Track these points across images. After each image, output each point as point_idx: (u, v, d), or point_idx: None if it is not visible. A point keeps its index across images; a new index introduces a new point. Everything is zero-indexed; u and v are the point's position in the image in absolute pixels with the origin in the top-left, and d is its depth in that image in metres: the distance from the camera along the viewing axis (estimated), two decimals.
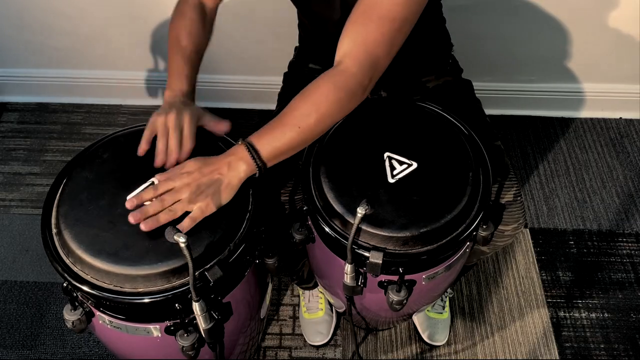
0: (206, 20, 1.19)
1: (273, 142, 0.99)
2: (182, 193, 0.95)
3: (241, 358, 1.39)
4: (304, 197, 1.11)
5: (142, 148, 1.04)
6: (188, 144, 1.04)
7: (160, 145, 1.03)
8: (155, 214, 0.95)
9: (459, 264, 1.19)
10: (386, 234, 1.01)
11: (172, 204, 0.96)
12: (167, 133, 1.03)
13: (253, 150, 0.98)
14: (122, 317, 1.01)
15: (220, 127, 1.10)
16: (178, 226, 0.94)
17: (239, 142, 1.00)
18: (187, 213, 0.96)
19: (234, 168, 0.98)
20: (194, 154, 1.03)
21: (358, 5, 1.04)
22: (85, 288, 0.94)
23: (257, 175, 1.00)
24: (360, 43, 1.02)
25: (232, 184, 0.98)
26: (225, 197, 0.98)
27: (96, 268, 0.94)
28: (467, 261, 1.32)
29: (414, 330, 1.67)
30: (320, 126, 1.02)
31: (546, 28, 1.92)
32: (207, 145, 1.09)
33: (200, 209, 0.96)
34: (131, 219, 0.95)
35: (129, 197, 0.99)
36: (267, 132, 1.00)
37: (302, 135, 1.00)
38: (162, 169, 1.02)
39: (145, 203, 0.97)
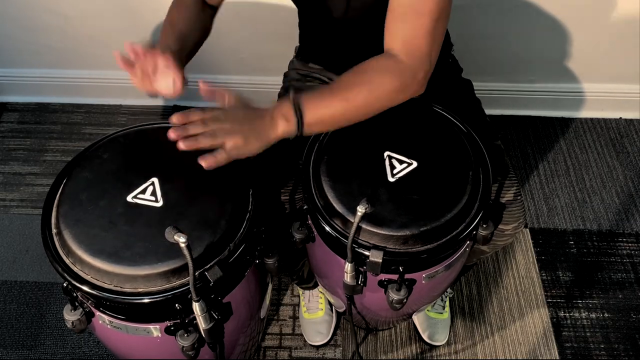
0: (205, 15, 1.18)
1: (319, 110, 0.99)
2: (227, 123, 0.94)
3: (241, 358, 1.39)
4: (304, 196, 1.11)
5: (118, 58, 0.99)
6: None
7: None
8: (195, 136, 0.93)
9: (458, 263, 1.19)
10: (386, 232, 1.01)
11: (214, 130, 0.93)
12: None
13: (299, 111, 0.97)
14: (122, 317, 1.01)
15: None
16: (214, 154, 0.92)
17: (289, 97, 0.99)
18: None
19: (275, 123, 0.97)
20: (196, 156, 1.00)
21: (395, 4, 1.04)
22: (85, 288, 0.94)
23: (291, 138, 0.99)
24: (405, 40, 1.03)
25: (269, 138, 0.97)
26: (259, 146, 0.96)
27: (96, 268, 0.94)
28: (467, 261, 1.32)
29: (414, 330, 1.67)
30: (367, 108, 1.03)
31: (546, 28, 1.92)
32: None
33: (236, 146, 0.93)
34: (171, 134, 0.93)
35: (173, 116, 0.95)
36: (317, 99, 1.00)
37: (348, 112, 1.01)
38: (161, 170, 1.01)
39: (194, 119, 0.95)
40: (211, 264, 0.96)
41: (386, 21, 1.06)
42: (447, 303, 1.68)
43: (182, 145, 0.92)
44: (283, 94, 1.39)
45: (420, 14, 1.02)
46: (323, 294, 1.65)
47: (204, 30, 1.18)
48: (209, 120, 0.94)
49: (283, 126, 0.97)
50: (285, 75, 1.44)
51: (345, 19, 1.18)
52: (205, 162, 0.92)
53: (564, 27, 1.92)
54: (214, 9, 1.23)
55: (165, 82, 0.99)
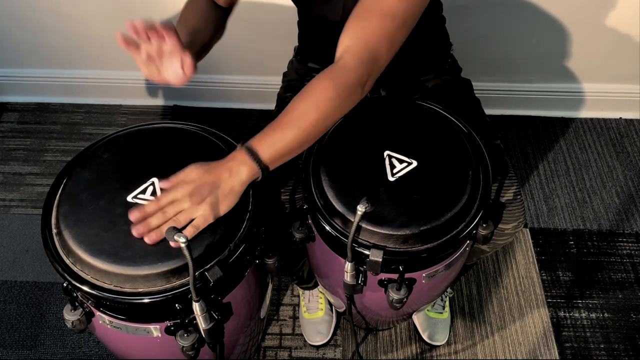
0: (217, 15, 1.18)
1: (274, 145, 0.98)
2: (184, 203, 0.94)
3: (241, 358, 1.39)
4: (304, 196, 1.11)
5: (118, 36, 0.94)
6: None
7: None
8: (159, 226, 0.95)
9: (458, 262, 1.19)
10: (386, 232, 1.01)
11: (175, 215, 0.95)
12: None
13: (254, 154, 0.97)
14: (122, 317, 1.01)
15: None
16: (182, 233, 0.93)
17: (239, 146, 0.99)
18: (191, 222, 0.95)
19: (236, 173, 0.96)
20: (196, 157, 1.01)
21: (360, 2, 1.04)
22: (85, 288, 0.94)
23: (259, 179, 0.99)
24: (360, 38, 1.02)
25: (235, 189, 0.97)
26: (228, 203, 0.97)
27: (96, 268, 0.94)
28: (467, 260, 1.32)
29: (414, 330, 1.67)
30: (320, 125, 1.01)
31: (546, 28, 1.92)
32: (208, 148, 1.09)
33: (204, 217, 0.95)
34: (135, 232, 0.94)
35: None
36: (267, 135, 0.99)
37: (302, 135, 0.99)
38: (161, 170, 1.01)
39: (151, 212, 0.96)
40: (211, 264, 0.96)
41: (348, 20, 1.04)
42: (447, 303, 1.68)
43: (148, 241, 0.94)
44: (282, 94, 1.39)
45: (381, 14, 1.01)
46: (323, 294, 1.65)
47: (216, 30, 1.18)
48: (167, 207, 0.95)
49: (246, 173, 0.97)
50: (285, 75, 1.44)
51: (342, 22, 1.18)
52: (181, 239, 0.89)
53: (564, 27, 1.92)
54: (226, 11, 1.22)
55: (173, 68, 0.96)
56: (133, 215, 0.95)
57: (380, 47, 1.02)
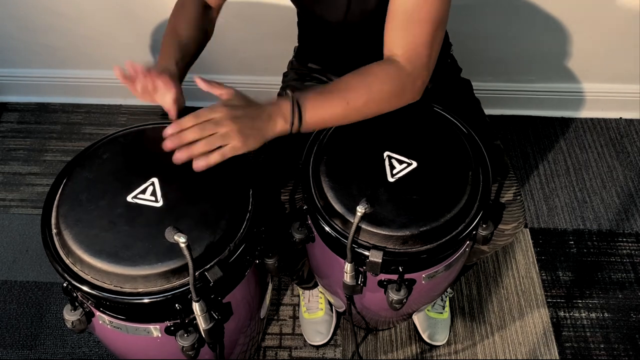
0: (207, 18, 1.19)
1: (319, 110, 1.00)
2: (223, 126, 0.92)
3: (241, 358, 1.39)
4: (304, 197, 1.11)
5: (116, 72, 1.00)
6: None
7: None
8: (191, 143, 0.92)
9: (458, 263, 1.19)
10: (386, 232, 1.01)
11: (211, 134, 0.92)
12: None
13: (298, 110, 0.97)
14: (122, 317, 1.01)
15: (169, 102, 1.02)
16: (208, 157, 0.92)
17: (289, 94, 0.98)
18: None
19: (274, 121, 0.96)
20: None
21: (395, 11, 1.05)
22: (85, 288, 0.94)
23: (288, 132, 0.99)
24: (408, 48, 1.05)
25: (266, 135, 0.97)
26: (256, 144, 0.96)
27: (96, 268, 0.94)
28: (467, 261, 1.32)
29: (414, 330, 1.67)
30: (366, 110, 1.04)
31: (546, 28, 1.92)
32: None
33: (234, 147, 0.93)
34: (168, 144, 0.92)
35: (168, 127, 0.94)
36: (317, 98, 1.00)
37: (347, 112, 1.02)
38: (161, 170, 1.01)
39: (188, 125, 0.94)
40: (211, 264, 0.96)
41: (386, 28, 1.07)
42: (447, 303, 1.68)
43: (178, 155, 0.92)
44: (282, 94, 1.39)
45: (421, 22, 1.04)
46: (323, 294, 1.65)
47: (206, 34, 1.19)
48: (204, 124, 0.93)
49: (281, 125, 0.97)
50: (285, 75, 1.44)
51: (344, 24, 1.18)
52: (196, 164, 0.92)
53: (564, 27, 1.92)
54: (215, 12, 1.23)
55: (165, 101, 1.01)
56: (170, 128, 0.93)
57: (427, 53, 1.06)
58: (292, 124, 0.97)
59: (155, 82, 0.98)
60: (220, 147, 0.93)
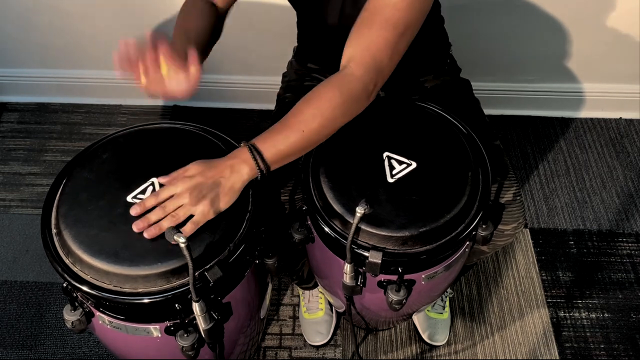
0: (215, 15, 1.18)
1: (277, 145, 0.99)
2: (184, 198, 0.95)
3: (241, 358, 1.39)
4: (304, 197, 1.11)
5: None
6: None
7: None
8: (158, 221, 0.95)
9: (458, 263, 1.19)
10: (385, 233, 1.01)
11: (175, 209, 0.95)
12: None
13: (257, 153, 0.98)
14: (122, 318, 1.01)
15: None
16: (181, 230, 0.94)
17: (242, 145, 0.99)
18: (190, 217, 0.96)
19: (237, 171, 0.97)
20: (196, 157, 1.01)
21: (363, 11, 1.04)
22: (85, 288, 0.94)
23: (259, 178, 1.00)
24: (364, 48, 1.03)
25: (235, 187, 0.98)
26: (228, 200, 0.98)
27: (96, 268, 0.94)
28: (467, 261, 1.32)
29: (414, 330, 1.67)
30: (324, 130, 1.02)
31: (546, 28, 1.92)
32: (208, 148, 1.09)
33: (203, 213, 0.95)
34: (135, 227, 0.95)
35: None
36: (271, 135, 1.00)
37: (306, 139, 1.00)
38: (161, 170, 1.01)
39: (151, 205, 0.97)
40: (211, 264, 0.96)
41: (352, 29, 1.05)
42: (447, 303, 1.68)
43: (147, 235, 0.95)
44: (282, 94, 1.39)
45: (387, 24, 1.01)
46: (323, 294, 1.65)
47: (215, 32, 1.18)
48: (167, 202, 0.96)
49: (247, 171, 0.97)
50: (284, 75, 1.44)
51: (340, 25, 1.18)
52: (180, 239, 0.90)
53: (564, 27, 1.92)
54: (224, 12, 1.22)
55: (176, 78, 0.94)
56: (134, 210, 0.97)
57: (383, 56, 1.02)
58: (258, 166, 0.97)
59: (157, 56, 0.93)
60: (192, 216, 0.95)
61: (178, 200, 0.95)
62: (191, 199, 0.94)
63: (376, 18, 1.02)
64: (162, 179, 0.99)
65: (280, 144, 0.99)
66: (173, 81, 0.95)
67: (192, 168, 0.98)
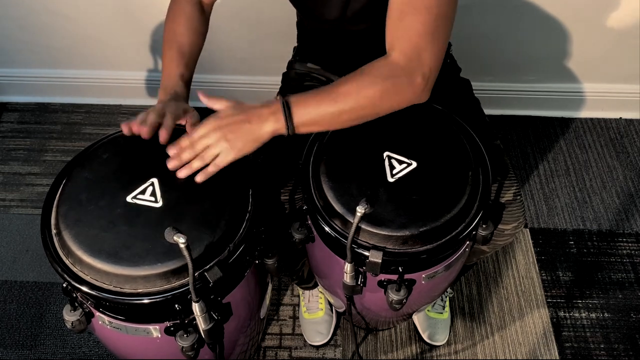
0: (203, 17, 1.19)
1: (308, 110, 0.99)
2: (211, 138, 0.98)
3: (241, 358, 1.39)
4: (304, 197, 1.11)
5: (124, 129, 1.06)
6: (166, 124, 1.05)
7: (148, 119, 1.05)
8: (189, 161, 1.00)
9: (458, 263, 1.19)
10: (386, 233, 1.01)
11: (203, 150, 0.99)
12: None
13: (288, 111, 0.98)
14: (122, 318, 1.01)
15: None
16: (203, 171, 0.99)
17: (278, 98, 1.01)
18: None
19: (265, 121, 0.98)
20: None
21: (393, 3, 1.02)
22: (84, 288, 0.94)
23: (285, 135, 1.00)
24: (401, 36, 1.01)
25: (261, 138, 0.99)
26: (250, 147, 0.99)
27: (96, 268, 0.94)
28: (467, 261, 1.32)
29: (414, 330, 1.67)
30: (358, 110, 1.00)
31: (546, 28, 1.92)
32: None
33: (225, 156, 0.98)
34: (169, 165, 1.00)
35: (168, 148, 1.02)
36: (306, 99, 1.00)
37: (337, 113, 0.99)
38: (161, 170, 1.01)
39: (185, 146, 1.01)
40: (211, 264, 0.96)
41: (386, 22, 1.05)
42: (447, 303, 1.68)
43: (179, 175, 1.01)
44: (282, 93, 1.39)
45: (418, 10, 1.00)
46: (323, 294, 1.65)
47: (204, 37, 1.20)
48: (196, 141, 0.99)
49: (272, 125, 0.98)
50: (284, 75, 1.44)
51: (342, 21, 1.18)
52: (197, 178, 1.00)
53: (564, 27, 1.92)
54: (209, 8, 1.23)
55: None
56: (170, 150, 1.01)
57: (423, 42, 1.00)
58: (285, 123, 0.98)
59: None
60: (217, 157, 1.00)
61: (206, 140, 0.99)
62: (218, 139, 0.98)
63: (407, 7, 1.00)
64: (208, 101, 1.04)
65: (311, 109, 0.99)
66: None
67: (224, 109, 1.01)
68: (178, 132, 1.12)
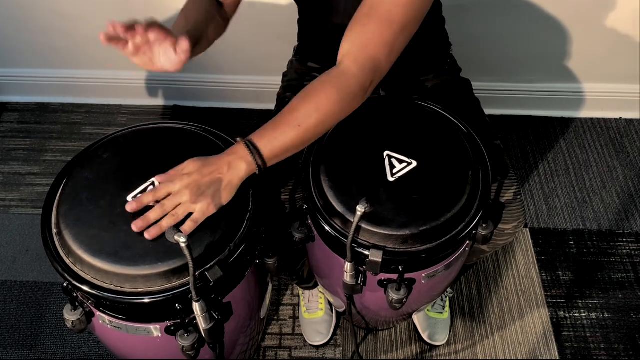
0: (218, 13, 1.18)
1: (274, 142, 0.99)
2: (183, 195, 0.95)
3: (241, 358, 1.39)
4: (304, 196, 1.11)
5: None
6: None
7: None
8: (158, 221, 0.95)
9: (458, 262, 1.19)
10: (386, 232, 1.01)
11: (174, 208, 0.95)
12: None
13: (254, 149, 0.97)
14: (122, 317, 1.01)
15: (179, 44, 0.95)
16: (181, 229, 0.94)
17: (239, 141, 0.99)
18: (189, 215, 0.96)
19: (235, 167, 0.97)
20: (193, 154, 1.01)
21: (361, 7, 1.04)
22: (85, 288, 0.94)
23: (257, 174, 1.00)
24: (360, 45, 1.02)
25: (233, 183, 0.98)
26: (226, 197, 0.98)
27: (96, 268, 0.94)
28: (467, 260, 1.32)
29: (414, 330, 1.67)
30: (320, 127, 1.02)
31: (546, 28, 1.92)
32: (208, 147, 1.09)
33: (202, 210, 0.95)
34: (134, 227, 0.95)
35: (129, 199, 0.99)
36: (268, 131, 1.00)
37: (302, 135, 1.00)
38: (161, 170, 1.01)
39: (148, 202, 0.97)
40: (211, 264, 0.96)
41: (348, 26, 1.05)
42: (447, 303, 1.68)
43: (147, 236, 0.95)
44: (282, 93, 1.39)
45: (382, 21, 1.01)
46: (323, 294, 1.65)
47: (217, 25, 1.17)
48: (165, 200, 0.95)
49: (244, 168, 0.97)
50: (284, 75, 1.44)
51: (343, 21, 1.18)
52: (181, 238, 0.91)
53: (564, 27, 1.92)
54: (228, 9, 1.22)
55: (166, 54, 0.94)
56: (130, 206, 0.96)
57: (379, 54, 1.02)
58: (256, 162, 0.97)
59: (146, 36, 0.95)
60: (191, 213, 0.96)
61: (177, 199, 0.95)
62: (190, 196, 0.94)
63: (374, 14, 1.01)
64: (159, 177, 0.98)
65: (276, 140, 0.99)
66: (163, 57, 0.95)
67: (189, 165, 0.97)
68: (177, 133, 1.12)
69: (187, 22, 1.08)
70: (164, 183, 0.97)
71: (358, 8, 1.04)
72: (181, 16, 1.11)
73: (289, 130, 0.99)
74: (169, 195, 0.96)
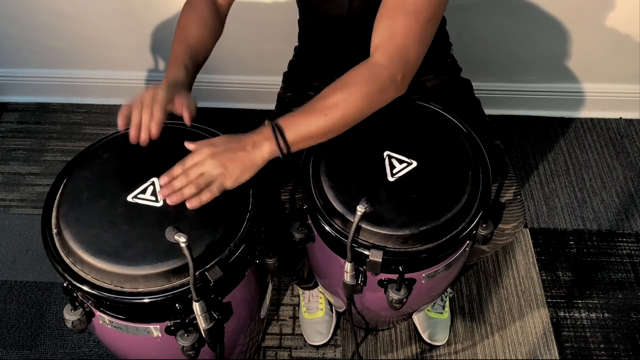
0: (217, 16, 1.19)
1: (299, 127, 1.01)
2: (206, 165, 0.97)
3: (241, 358, 1.39)
4: (304, 196, 1.11)
5: (119, 123, 1.05)
6: (156, 118, 1.03)
7: (134, 118, 1.04)
8: (181, 189, 0.98)
9: (458, 262, 1.19)
10: (386, 232, 1.01)
11: (197, 177, 0.98)
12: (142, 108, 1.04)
13: (279, 133, 0.99)
14: (122, 317, 1.01)
15: (181, 111, 1.07)
16: (199, 197, 0.96)
17: (267, 123, 1.01)
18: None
19: (259, 147, 0.99)
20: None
21: (385, 1, 1.05)
22: (85, 288, 0.94)
23: (280, 157, 1.01)
24: (388, 36, 1.03)
25: (256, 163, 1.00)
26: (247, 175, 1.00)
27: (96, 268, 0.94)
28: (467, 260, 1.32)
29: (414, 330, 1.67)
30: (347, 119, 1.03)
31: (546, 28, 1.92)
32: None
33: (221, 183, 0.98)
34: (160, 194, 0.99)
35: (160, 177, 1.01)
36: (296, 117, 1.02)
37: (328, 125, 1.01)
38: (161, 170, 1.01)
39: (177, 174, 1.00)
40: (211, 263, 0.96)
41: (375, 21, 1.06)
42: (447, 303, 1.68)
43: (169, 202, 0.99)
44: (282, 94, 1.39)
45: (408, 12, 1.02)
46: (323, 294, 1.65)
47: (215, 33, 1.20)
48: (190, 169, 0.98)
49: (268, 149, 0.99)
50: (285, 75, 1.44)
51: (347, 18, 1.18)
52: (189, 204, 0.98)
53: (564, 27, 1.92)
54: (225, 11, 1.23)
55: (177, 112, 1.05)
56: (162, 179, 1.00)
57: (408, 44, 1.03)
58: (279, 145, 0.99)
59: (163, 113, 1.03)
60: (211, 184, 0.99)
61: (200, 168, 0.98)
62: (213, 167, 0.97)
63: (399, 6, 1.02)
64: (190, 145, 1.01)
65: (302, 126, 1.01)
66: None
67: (218, 139, 1.01)
68: (177, 133, 1.12)
69: (189, 48, 1.12)
70: (192, 153, 1.00)
71: (382, 2, 1.05)
72: (180, 40, 1.14)
73: (315, 118, 1.01)
74: (194, 165, 0.99)
